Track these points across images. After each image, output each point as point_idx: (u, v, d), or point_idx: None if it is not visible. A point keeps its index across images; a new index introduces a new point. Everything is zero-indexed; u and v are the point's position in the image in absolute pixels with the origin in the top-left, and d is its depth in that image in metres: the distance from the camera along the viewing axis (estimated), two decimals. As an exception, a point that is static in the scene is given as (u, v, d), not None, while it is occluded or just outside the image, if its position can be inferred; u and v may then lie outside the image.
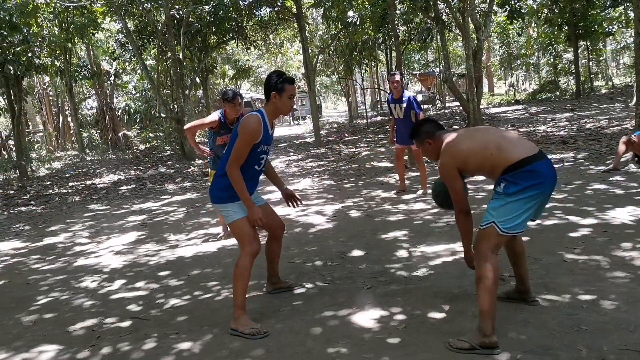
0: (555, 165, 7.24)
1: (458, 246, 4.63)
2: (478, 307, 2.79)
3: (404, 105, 7.10)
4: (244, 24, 19.74)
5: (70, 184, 13.75)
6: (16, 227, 8.27)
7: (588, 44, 25.75)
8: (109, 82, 26.26)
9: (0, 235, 7.69)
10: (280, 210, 7.20)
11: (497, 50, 37.19)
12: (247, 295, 3.41)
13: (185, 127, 5.82)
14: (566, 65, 27.97)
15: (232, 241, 5.55)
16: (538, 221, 5.15)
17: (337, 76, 30.68)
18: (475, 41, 14.59)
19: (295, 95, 3.45)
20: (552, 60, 28.57)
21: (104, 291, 4.54)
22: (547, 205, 5.68)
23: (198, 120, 5.98)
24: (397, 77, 7.18)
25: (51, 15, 17.40)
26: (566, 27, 23.52)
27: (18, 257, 6.17)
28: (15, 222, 8.75)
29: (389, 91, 7.73)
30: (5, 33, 14.23)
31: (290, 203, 3.86)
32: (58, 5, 16.14)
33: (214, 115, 5.48)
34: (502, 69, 36.56)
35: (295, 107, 35.95)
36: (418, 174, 9.14)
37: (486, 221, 2.87)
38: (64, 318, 3.97)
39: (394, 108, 7.24)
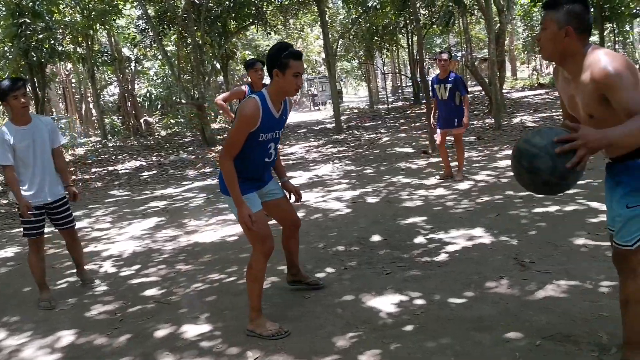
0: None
1: (477, 232, 4.61)
2: (624, 335, 2.29)
3: (449, 85, 6.75)
4: (264, 9, 19.67)
5: (93, 169, 13.96)
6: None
7: (614, 26, 25.07)
8: (130, 69, 26.48)
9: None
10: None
11: (520, 33, 36.47)
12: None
13: (216, 100, 6.36)
14: (592, 48, 27.26)
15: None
16: (558, 207, 5.10)
17: (357, 61, 30.50)
18: (498, 24, 14.32)
19: (302, 72, 2.96)
20: (577, 43, 27.84)
21: (125, 275, 4.62)
22: (570, 192, 5.63)
23: (227, 92, 6.42)
24: (445, 56, 6.82)
25: (73, 2, 17.56)
26: (592, 9, 22.90)
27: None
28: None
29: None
30: (28, 20, 14.43)
31: (289, 197, 3.47)
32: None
33: (242, 87, 5.76)
34: (526, 52, 35.83)
35: (315, 92, 35.73)
36: (438, 160, 9.07)
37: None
38: (85, 302, 4.05)
39: (438, 89, 6.88)
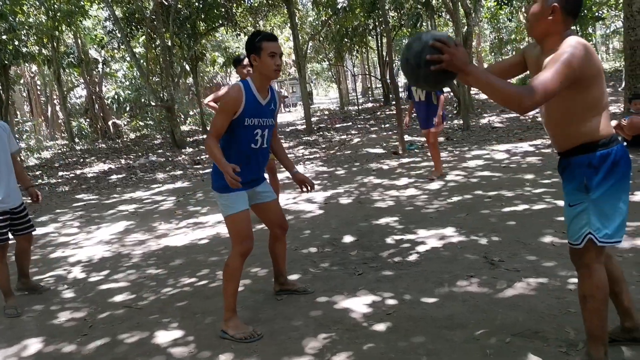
0: (545, 150, 7.25)
1: (448, 231, 4.67)
2: (585, 330, 2.33)
3: None
4: (234, 11, 19.56)
5: (60, 173, 13.65)
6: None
7: (578, 28, 25.76)
8: (97, 71, 26.00)
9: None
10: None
11: (487, 35, 37.14)
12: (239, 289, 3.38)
13: (205, 101, 6.30)
14: (556, 50, 27.92)
15: (225, 229, 5.54)
16: (526, 206, 5.21)
17: (327, 63, 30.57)
18: (466, 27, 14.55)
19: (278, 53, 3.01)
20: (542, 45, 28.50)
21: (94, 281, 4.53)
22: (537, 191, 5.76)
23: (214, 93, 6.26)
24: None
25: (37, 3, 17.14)
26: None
27: (8, 248, 6.14)
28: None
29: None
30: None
31: (302, 188, 3.44)
32: (44, -8, 15.92)
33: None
34: (493, 54, 36.51)
35: (286, 94, 35.72)
36: (409, 160, 9.15)
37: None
38: (52, 309, 3.96)
39: (415, 90, 6.98)
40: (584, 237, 2.21)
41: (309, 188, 3.42)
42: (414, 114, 7.61)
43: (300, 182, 3.42)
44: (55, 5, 17.48)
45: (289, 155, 12.17)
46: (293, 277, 3.97)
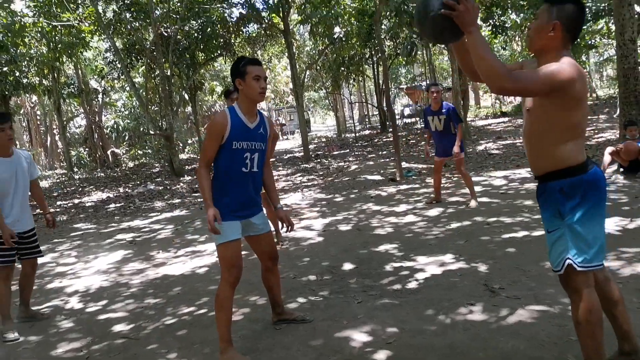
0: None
1: (447, 258, 4.66)
2: (582, 354, 2.33)
3: (444, 116, 6.91)
4: (232, 41, 19.86)
5: (58, 202, 13.64)
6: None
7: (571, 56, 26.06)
8: (97, 100, 26.23)
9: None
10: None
11: (482, 63, 37.58)
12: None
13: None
14: (550, 78, 28.24)
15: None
16: (526, 232, 5.21)
17: (325, 91, 30.88)
18: (461, 55, 14.77)
19: (262, 76, 3.08)
20: (537, 73, 28.85)
21: (91, 311, 4.49)
22: (536, 217, 5.77)
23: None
24: (436, 89, 7.03)
25: (39, 35, 17.38)
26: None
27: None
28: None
29: (427, 103, 7.58)
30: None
31: (282, 225, 3.43)
32: (45, 24, 16.13)
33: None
34: (488, 82, 36.85)
35: (284, 122, 35.97)
36: (407, 187, 9.17)
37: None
38: (49, 340, 3.91)
39: (431, 120, 7.05)
40: (563, 263, 2.22)
41: (287, 228, 3.42)
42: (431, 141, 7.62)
43: (281, 219, 3.40)
44: (57, 37, 17.72)
45: (287, 182, 12.22)
46: (292, 305, 3.94)
